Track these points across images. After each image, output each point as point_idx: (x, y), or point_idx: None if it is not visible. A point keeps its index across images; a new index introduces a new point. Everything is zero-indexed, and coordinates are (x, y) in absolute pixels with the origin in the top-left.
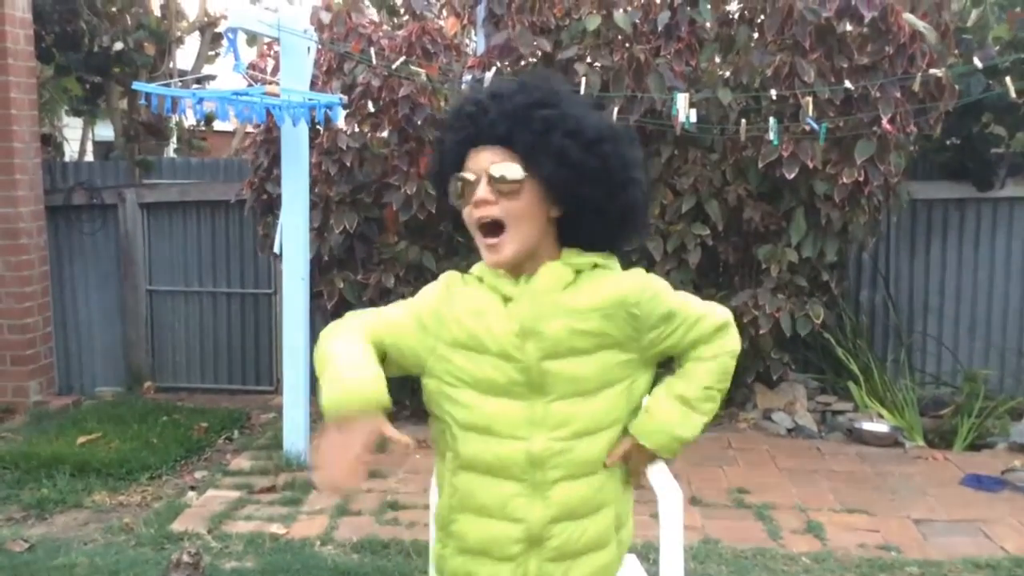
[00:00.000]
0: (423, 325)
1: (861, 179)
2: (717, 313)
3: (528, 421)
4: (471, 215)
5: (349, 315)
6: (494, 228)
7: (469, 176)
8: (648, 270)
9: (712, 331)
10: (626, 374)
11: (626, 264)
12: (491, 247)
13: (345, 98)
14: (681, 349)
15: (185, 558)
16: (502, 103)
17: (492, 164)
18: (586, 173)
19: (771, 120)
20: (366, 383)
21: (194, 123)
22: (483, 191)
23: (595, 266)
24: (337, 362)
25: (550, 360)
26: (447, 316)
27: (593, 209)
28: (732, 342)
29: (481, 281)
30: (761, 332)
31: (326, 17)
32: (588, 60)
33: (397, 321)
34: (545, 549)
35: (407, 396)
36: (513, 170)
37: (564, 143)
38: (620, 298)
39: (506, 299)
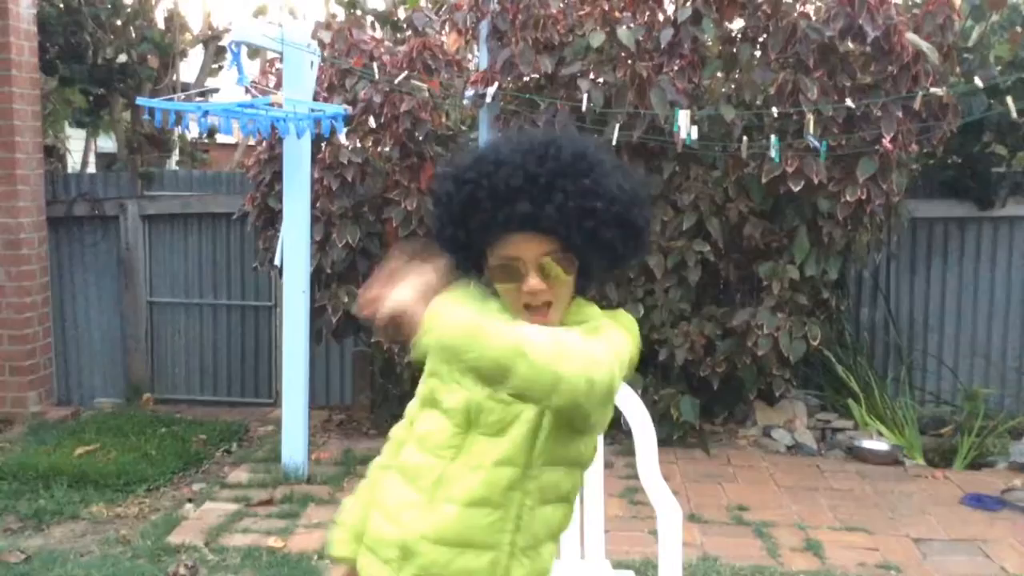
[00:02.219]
0: (427, 368)
1: (864, 197)
2: None
3: (456, 446)
4: (516, 296)
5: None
6: (542, 304)
7: (517, 263)
8: (649, 286)
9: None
10: (533, 415)
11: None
12: (540, 322)
13: (350, 108)
14: None
15: (182, 571)
16: (546, 191)
17: (543, 255)
18: (626, 245)
19: (772, 137)
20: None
21: (197, 136)
22: (537, 282)
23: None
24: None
25: (492, 401)
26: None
27: (616, 259)
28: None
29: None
30: (760, 354)
31: (327, 36)
32: (591, 76)
33: (420, 390)
34: (413, 565)
35: None
36: (567, 263)
37: (614, 238)
38: None
39: None
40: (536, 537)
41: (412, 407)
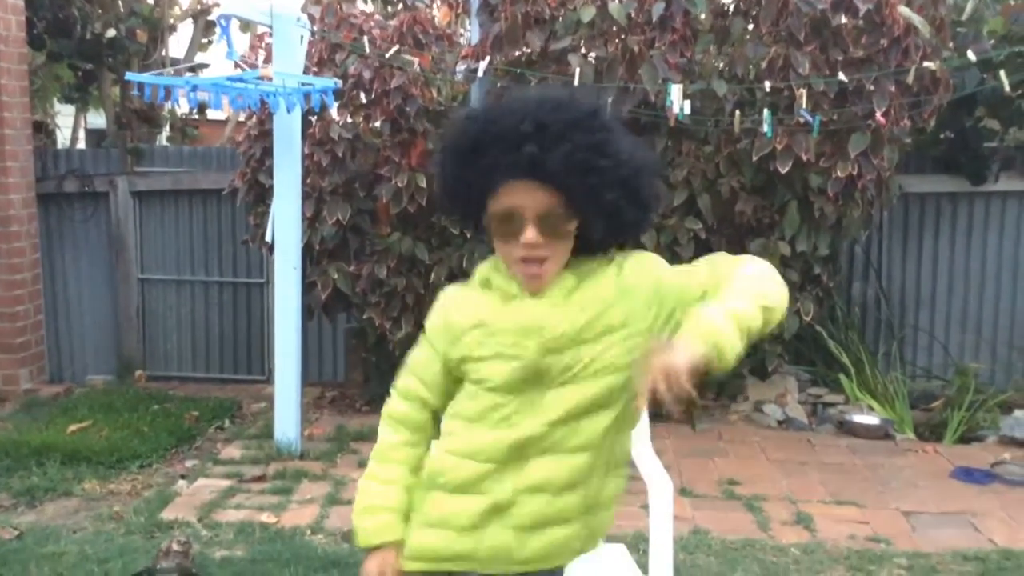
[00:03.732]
0: (436, 349)
1: (855, 173)
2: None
3: (518, 411)
4: (512, 251)
5: (395, 401)
6: (537, 259)
7: (517, 213)
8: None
9: (731, 261)
10: (630, 357)
11: None
12: (534, 277)
13: (341, 82)
14: (698, 288)
15: (175, 547)
16: (555, 140)
17: (543, 208)
18: (628, 213)
19: (765, 112)
20: (376, 527)
21: (187, 111)
22: (534, 235)
23: (600, 264)
24: (365, 499)
25: (550, 355)
26: (453, 336)
27: (618, 227)
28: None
29: (487, 285)
30: None
31: (316, 10)
32: (582, 51)
33: (427, 368)
34: (509, 516)
35: None
36: (566, 218)
37: (618, 199)
38: (625, 280)
39: (511, 297)
40: (620, 456)
41: (415, 386)
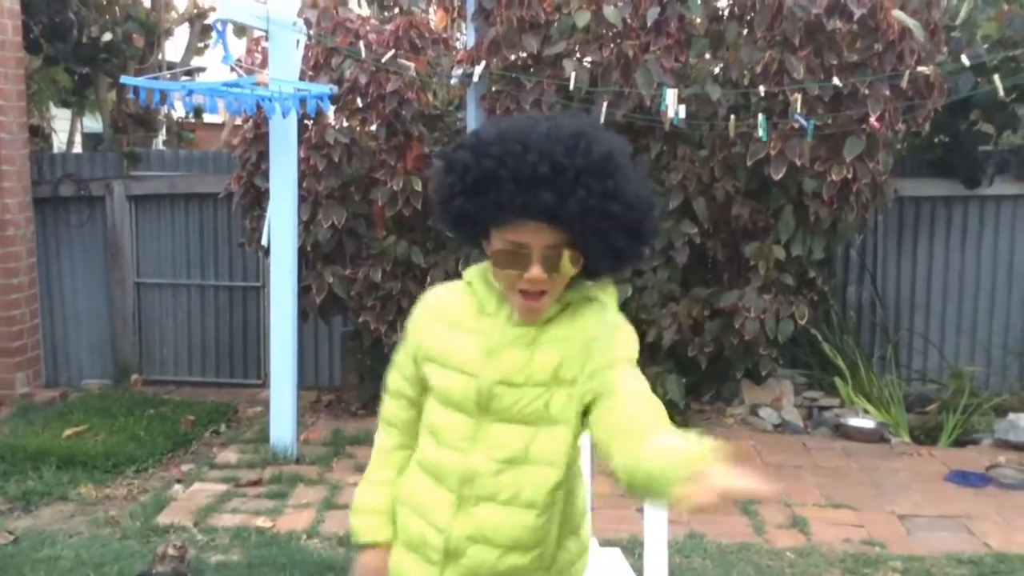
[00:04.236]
0: (412, 353)
1: (849, 176)
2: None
3: (470, 436)
4: (514, 280)
5: (385, 401)
6: (537, 293)
7: (524, 251)
8: (636, 267)
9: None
10: (570, 416)
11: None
12: (532, 311)
13: (335, 88)
14: (597, 383)
15: (171, 551)
16: (570, 185)
17: (550, 246)
18: (631, 251)
19: (760, 116)
20: (365, 527)
21: (183, 115)
22: (539, 272)
23: (586, 299)
24: (358, 499)
25: (503, 385)
26: (425, 331)
27: (618, 262)
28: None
29: (470, 289)
30: (747, 338)
31: (313, 15)
32: (577, 55)
33: (406, 365)
34: (459, 565)
35: None
36: (573, 257)
37: (623, 242)
38: (589, 334)
39: (486, 314)
40: (575, 520)
41: (400, 384)
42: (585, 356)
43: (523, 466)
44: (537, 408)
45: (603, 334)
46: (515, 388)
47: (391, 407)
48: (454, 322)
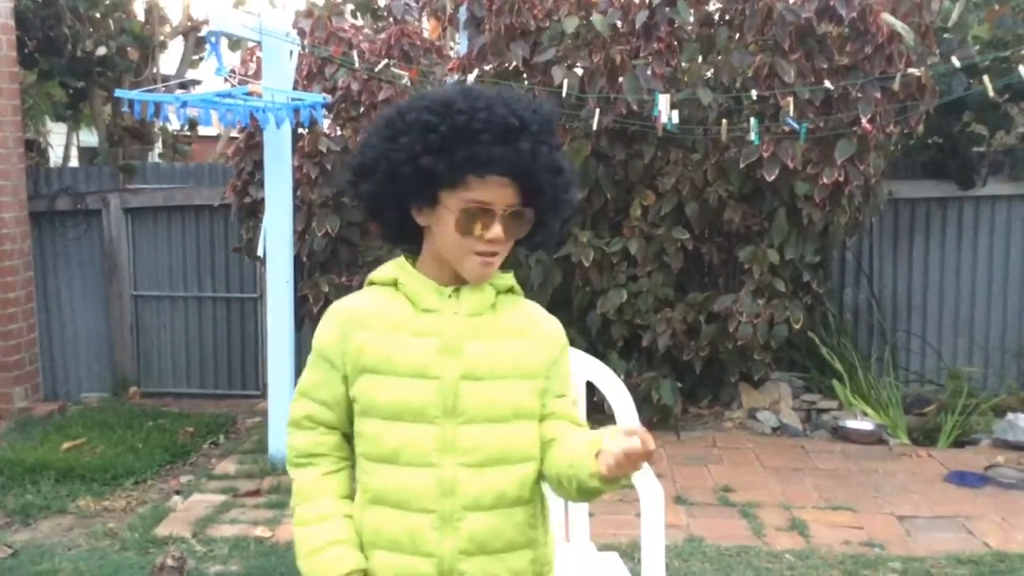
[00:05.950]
0: (334, 365)
1: (841, 179)
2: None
3: (439, 446)
4: (471, 244)
5: (295, 438)
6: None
7: (489, 209)
8: (632, 272)
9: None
10: (536, 408)
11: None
12: (487, 265)
13: (329, 97)
14: (553, 405)
15: (169, 562)
16: (536, 138)
17: (512, 206)
18: (560, 223)
19: (752, 120)
20: (325, 566)
21: (178, 128)
22: (500, 232)
23: (510, 289)
24: (304, 545)
25: (468, 381)
26: (352, 343)
27: (549, 232)
28: None
29: (395, 287)
30: (740, 343)
31: (306, 25)
32: (567, 62)
33: (325, 388)
34: None
35: None
36: (529, 215)
37: (567, 203)
38: (546, 332)
39: (425, 311)
40: (547, 508)
41: (316, 411)
42: (549, 362)
43: (503, 466)
44: (506, 405)
45: (561, 354)
46: (479, 382)
47: (306, 439)
48: (392, 326)
